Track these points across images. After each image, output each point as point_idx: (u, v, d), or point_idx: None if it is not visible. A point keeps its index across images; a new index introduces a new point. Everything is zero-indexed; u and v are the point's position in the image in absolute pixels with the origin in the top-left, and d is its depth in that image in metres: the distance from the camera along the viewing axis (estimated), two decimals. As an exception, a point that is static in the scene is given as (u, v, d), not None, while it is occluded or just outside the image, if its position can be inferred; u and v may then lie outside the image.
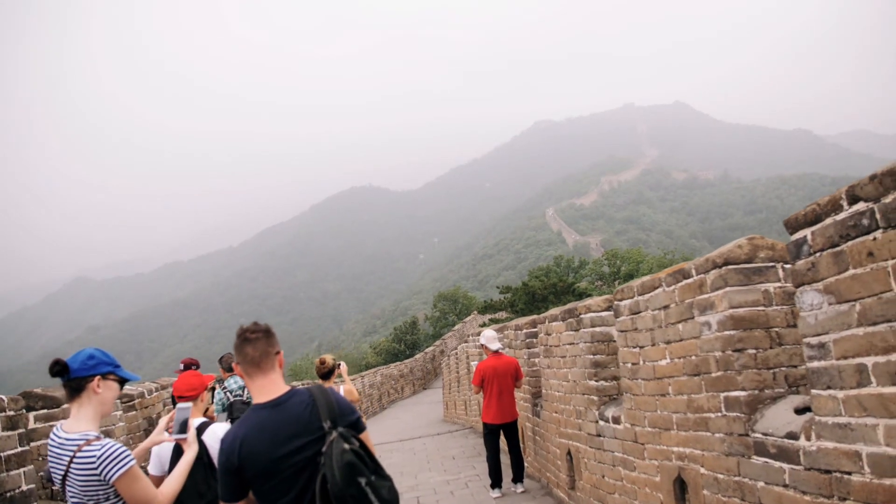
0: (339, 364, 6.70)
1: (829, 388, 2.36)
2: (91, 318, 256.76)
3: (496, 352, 7.21)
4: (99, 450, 2.61)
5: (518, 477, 7.25)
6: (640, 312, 3.91)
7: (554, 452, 6.29)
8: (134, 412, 6.75)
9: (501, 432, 7.25)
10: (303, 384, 19.03)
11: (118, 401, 6.46)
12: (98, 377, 2.76)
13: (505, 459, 7.41)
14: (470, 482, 8.04)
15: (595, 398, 4.87)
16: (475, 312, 38.39)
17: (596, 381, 4.87)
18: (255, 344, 2.59)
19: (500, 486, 7.16)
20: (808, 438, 2.51)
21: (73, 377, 2.72)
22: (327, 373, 6.33)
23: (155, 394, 7.50)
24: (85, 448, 2.61)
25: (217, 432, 3.57)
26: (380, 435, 15.13)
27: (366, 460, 2.51)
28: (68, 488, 2.66)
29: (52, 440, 2.71)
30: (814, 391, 2.44)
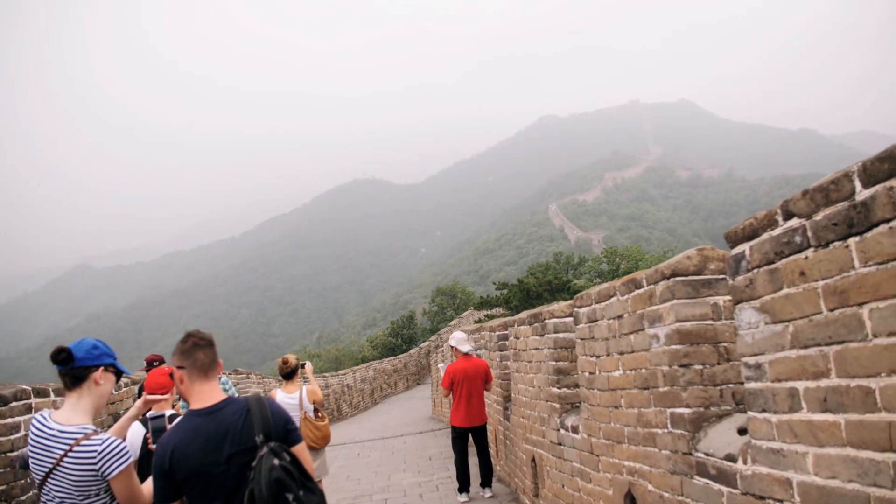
0: (304, 364, 6.62)
1: (763, 410, 2.25)
2: (91, 305, 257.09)
3: (466, 354, 7.11)
4: (100, 445, 2.57)
5: (486, 481, 7.15)
6: (596, 321, 3.80)
7: (521, 458, 6.20)
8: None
9: (470, 436, 7.16)
10: (303, 378, 19.01)
11: (135, 384, 6.40)
12: (101, 368, 2.74)
13: (475, 463, 7.31)
14: (441, 485, 7.95)
15: (557, 406, 4.77)
16: (472, 308, 38.28)
17: (558, 388, 4.76)
18: (205, 350, 2.65)
19: (467, 491, 7.07)
20: (745, 462, 2.41)
21: (77, 366, 2.68)
22: (290, 372, 6.25)
23: (124, 389, 7.42)
24: (84, 442, 2.57)
25: None
26: (364, 432, 15.09)
27: (295, 475, 2.52)
28: (52, 481, 2.58)
29: (41, 430, 2.62)
30: (750, 413, 2.34)
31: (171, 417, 3.88)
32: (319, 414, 6.26)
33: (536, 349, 5.20)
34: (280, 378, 6.40)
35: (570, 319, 4.70)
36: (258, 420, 2.58)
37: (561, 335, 4.73)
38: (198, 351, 2.62)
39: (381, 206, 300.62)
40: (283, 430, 2.64)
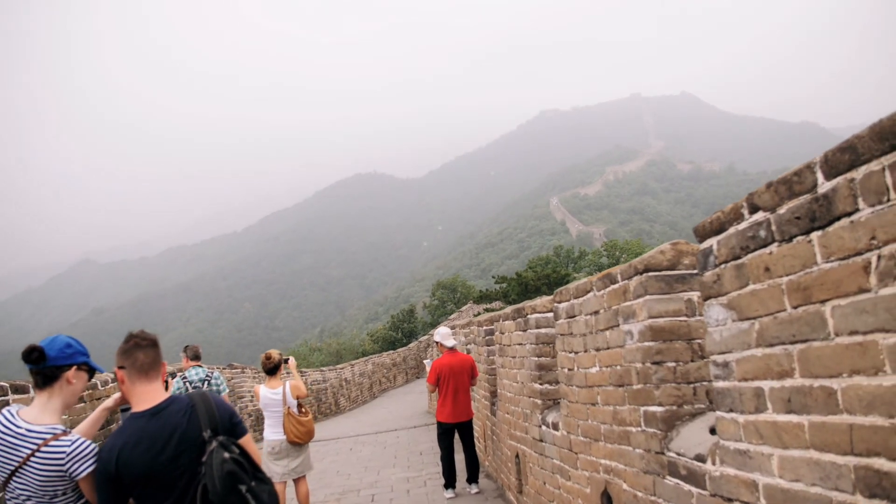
0: (287, 359, 6.57)
1: (731, 410, 2.18)
2: (95, 300, 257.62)
3: (451, 349, 7.04)
4: (69, 445, 2.52)
5: (473, 477, 7.09)
6: (575, 316, 3.73)
7: (506, 454, 6.14)
8: (83, 404, 6.60)
9: (456, 431, 7.10)
10: (301, 372, 18.98)
11: (111, 383, 6.33)
12: (74, 367, 2.68)
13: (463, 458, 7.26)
14: (429, 480, 7.90)
15: (539, 402, 4.70)
16: (471, 302, 38.23)
17: (540, 384, 4.69)
18: (146, 351, 2.60)
19: (453, 487, 7.01)
20: (714, 463, 2.34)
21: (49, 365, 2.62)
22: (273, 368, 6.19)
23: (110, 385, 7.36)
24: (53, 443, 2.51)
25: None
26: (360, 426, 15.07)
27: (246, 467, 2.54)
28: (17, 480, 2.52)
29: (7, 428, 2.56)
30: (718, 413, 2.27)
31: None
32: (303, 409, 6.21)
33: (520, 344, 5.14)
34: (263, 373, 6.34)
35: (552, 315, 4.63)
36: (204, 415, 2.57)
37: (543, 330, 4.66)
38: (138, 351, 2.58)
39: (383, 200, 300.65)
40: (228, 424, 2.64)
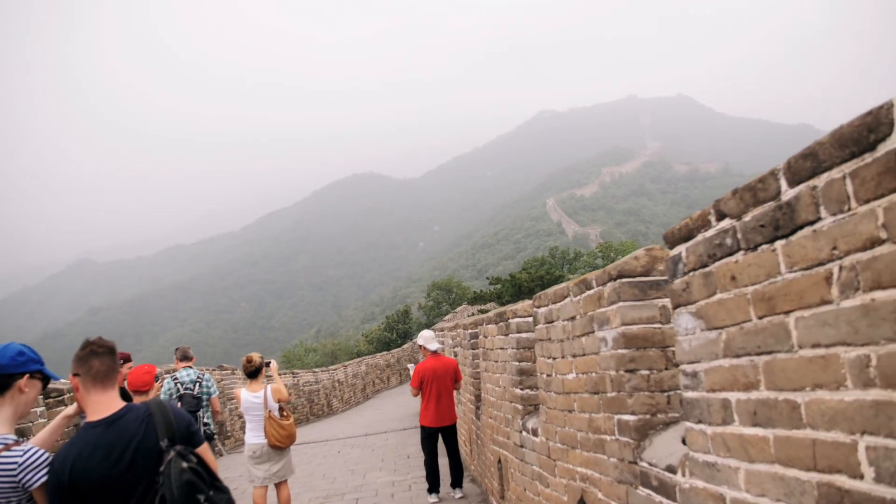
0: (269, 363, 6.52)
1: (700, 421, 2.13)
2: (93, 299, 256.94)
3: (435, 352, 6.99)
4: (21, 456, 2.45)
5: (457, 482, 7.04)
6: (553, 322, 3.67)
7: (489, 459, 6.08)
8: (62, 408, 6.53)
9: (440, 436, 7.04)
10: (293, 374, 18.94)
11: (40, 397, 6.27)
12: (27, 375, 2.61)
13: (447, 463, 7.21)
14: (414, 484, 7.85)
15: (520, 407, 4.65)
16: (465, 303, 38.17)
17: (521, 389, 4.64)
18: (102, 358, 2.54)
19: (437, 491, 6.96)
20: (684, 474, 2.29)
21: (1, 373, 2.56)
22: (254, 371, 6.14)
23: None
24: (4, 453, 2.45)
25: None
26: (350, 428, 15.02)
27: (203, 476, 2.52)
28: None
29: None
30: (687, 424, 2.22)
31: None
32: (284, 413, 6.15)
33: (502, 349, 5.08)
34: (245, 376, 6.28)
35: (532, 319, 4.58)
36: (161, 424, 2.53)
37: (524, 335, 4.60)
38: (94, 358, 2.52)
39: (380, 201, 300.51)
40: (186, 433, 2.61)
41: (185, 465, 2.45)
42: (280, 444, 5.98)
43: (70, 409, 3.19)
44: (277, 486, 6.17)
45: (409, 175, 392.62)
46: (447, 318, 36.56)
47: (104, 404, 2.51)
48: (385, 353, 30.07)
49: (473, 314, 31.65)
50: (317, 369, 21.65)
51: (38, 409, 6.07)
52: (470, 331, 6.99)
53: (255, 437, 6.07)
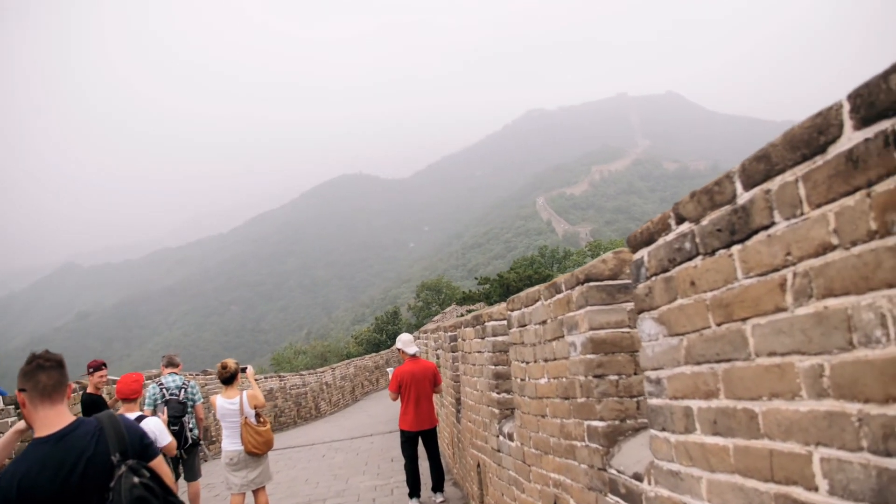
0: (245, 368, 6.44)
1: (664, 429, 2.08)
2: (80, 304, 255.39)
3: (413, 356, 6.93)
4: None
5: (438, 486, 6.98)
6: (526, 325, 3.62)
7: (469, 463, 6.03)
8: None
9: (421, 440, 6.99)
10: (279, 377, 18.83)
11: (11, 406, 6.16)
12: None
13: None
14: (396, 488, 7.79)
15: (496, 411, 4.59)
16: (454, 304, 38.13)
17: (497, 392, 4.59)
18: (49, 372, 2.47)
19: (418, 496, 6.90)
20: (650, 483, 2.24)
21: None
22: (230, 377, 6.06)
23: (73, 395, 7.19)
24: None
25: (149, 424, 4.64)
26: (337, 431, 14.95)
27: (156, 491, 2.47)
28: None
29: None
30: (652, 431, 2.17)
31: (139, 419, 4.79)
32: (261, 419, 6.07)
33: (479, 352, 5.03)
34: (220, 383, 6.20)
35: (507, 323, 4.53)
36: (113, 439, 2.47)
37: (500, 338, 4.54)
38: (41, 373, 2.45)
39: (369, 201, 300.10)
40: (139, 446, 2.57)
41: (136, 479, 2.39)
42: (257, 451, 5.90)
43: (21, 424, 3.13)
44: (255, 492, 6.10)
45: (398, 175, 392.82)
46: (436, 318, 36.51)
47: (53, 419, 2.44)
48: (374, 354, 30.00)
49: (462, 314, 31.61)
50: (304, 372, 21.53)
51: (9, 420, 5.98)
52: (450, 333, 6.94)
53: (231, 443, 5.99)
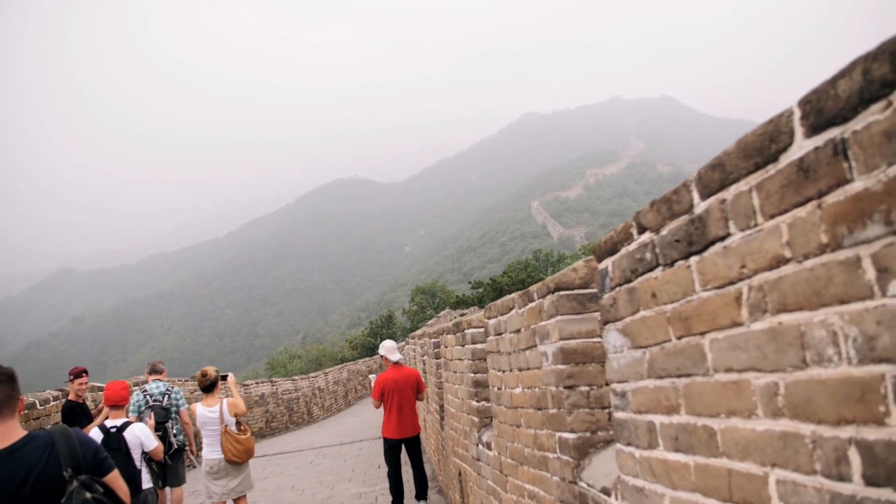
0: (226, 376, 6.37)
1: (629, 444, 2.02)
2: (76, 309, 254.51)
3: (397, 363, 6.86)
4: None
5: (421, 494, 6.91)
6: (501, 334, 3.56)
7: (452, 471, 5.96)
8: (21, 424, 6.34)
9: (404, 447, 6.92)
10: (271, 382, 18.73)
11: None
12: None
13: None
14: (381, 496, 7.70)
15: (476, 419, 4.53)
16: (448, 308, 38.06)
17: (477, 401, 4.52)
18: None
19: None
20: (617, 498, 2.18)
21: None
22: (210, 385, 5.98)
23: (52, 403, 7.12)
24: None
25: (135, 430, 5.07)
26: (327, 437, 14.88)
27: None
28: None
29: None
30: (618, 445, 2.11)
31: (123, 426, 5.03)
32: (242, 427, 6.00)
33: (459, 360, 4.96)
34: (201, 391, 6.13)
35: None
36: (65, 453, 2.42)
37: (479, 346, 4.48)
38: None
39: (364, 205, 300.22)
40: (93, 461, 2.52)
41: (88, 495, 2.35)
42: (237, 460, 5.83)
43: None
44: (236, 501, 6.02)
45: (393, 179, 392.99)
46: (430, 322, 36.43)
47: (2, 434, 2.38)
48: (367, 358, 29.90)
49: (456, 318, 31.49)
50: (297, 377, 21.43)
51: None
52: (433, 340, 6.87)
53: (211, 452, 5.92)
